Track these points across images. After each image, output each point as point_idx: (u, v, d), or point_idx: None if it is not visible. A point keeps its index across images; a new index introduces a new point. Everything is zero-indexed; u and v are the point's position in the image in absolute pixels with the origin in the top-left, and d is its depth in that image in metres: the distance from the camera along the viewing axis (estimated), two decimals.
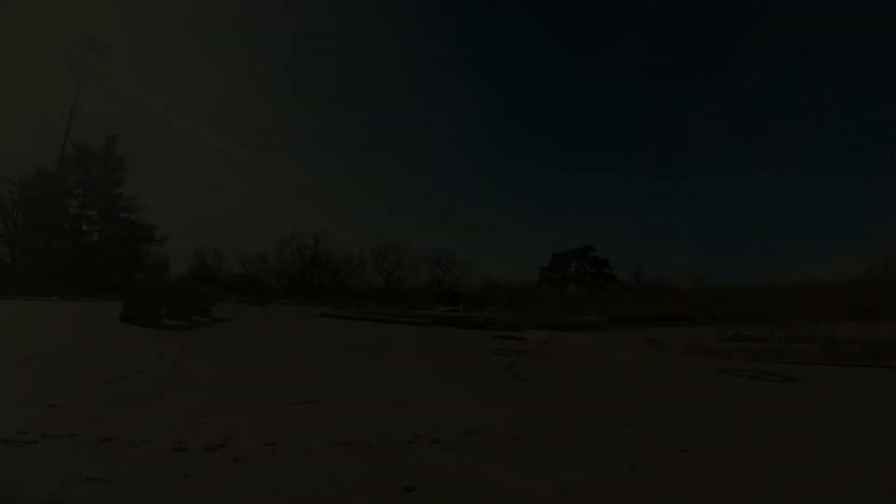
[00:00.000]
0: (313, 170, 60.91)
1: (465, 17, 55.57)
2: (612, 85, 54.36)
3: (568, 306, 32.84)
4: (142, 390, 3.32)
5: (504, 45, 56.55)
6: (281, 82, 58.45)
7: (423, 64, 58.18)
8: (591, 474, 1.98)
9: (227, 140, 62.42)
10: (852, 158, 42.15)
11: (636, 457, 2.22)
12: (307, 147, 60.39)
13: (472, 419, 2.86)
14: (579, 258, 47.73)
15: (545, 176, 60.87)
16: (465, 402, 3.57)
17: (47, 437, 2.05)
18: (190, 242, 42.84)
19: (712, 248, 57.34)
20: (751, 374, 5.17)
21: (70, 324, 8.81)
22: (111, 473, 1.69)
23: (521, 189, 61.34)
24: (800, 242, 49.59)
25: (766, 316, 9.76)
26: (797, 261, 48.80)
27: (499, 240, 62.46)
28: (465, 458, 2.15)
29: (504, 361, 5.95)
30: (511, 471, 2.00)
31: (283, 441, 2.24)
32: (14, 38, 50.16)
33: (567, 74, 55.30)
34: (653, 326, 15.93)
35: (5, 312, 10.40)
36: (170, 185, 52.28)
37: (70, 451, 1.94)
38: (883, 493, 1.89)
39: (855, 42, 44.02)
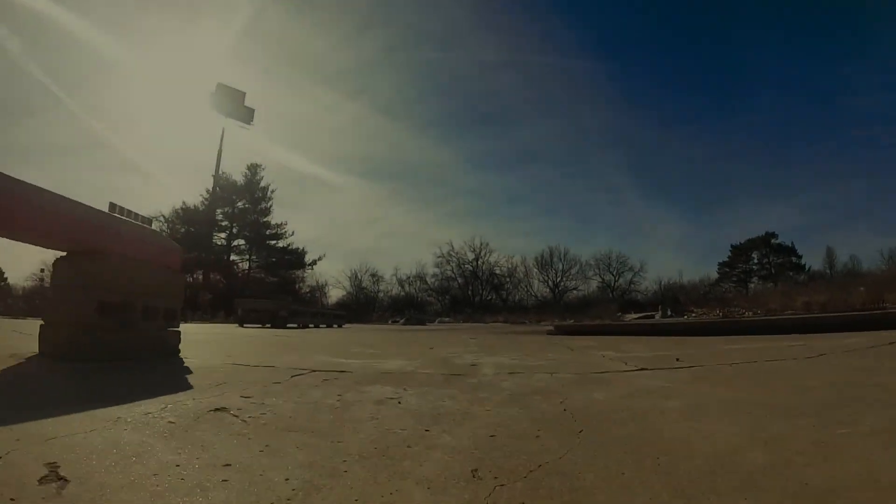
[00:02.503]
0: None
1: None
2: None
3: (799, 300, 26.61)
4: None
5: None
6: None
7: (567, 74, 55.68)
8: None
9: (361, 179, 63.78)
10: None
11: None
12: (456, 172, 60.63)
13: None
14: (761, 248, 40.73)
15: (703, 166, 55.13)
16: None
17: None
18: (347, 268, 42.93)
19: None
20: None
21: None
22: None
23: (678, 184, 56.41)
24: None
25: None
26: None
27: (665, 239, 57.06)
28: None
29: None
30: None
31: None
32: (166, 86, 54.37)
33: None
34: None
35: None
36: (326, 218, 54.17)
37: None
38: None
39: None
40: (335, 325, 20.33)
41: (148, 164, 54.71)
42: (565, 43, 55.87)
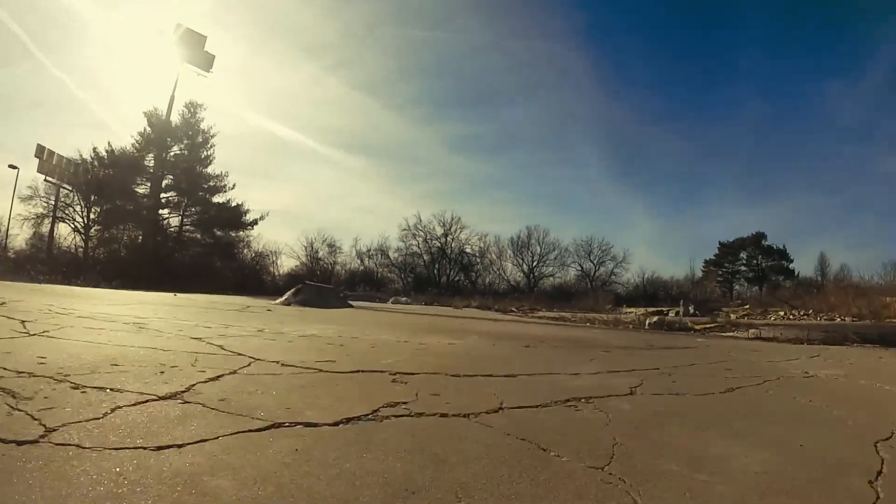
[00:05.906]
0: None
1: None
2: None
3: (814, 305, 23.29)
4: None
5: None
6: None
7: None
8: None
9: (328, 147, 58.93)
10: None
11: None
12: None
13: None
14: (750, 248, 37.93)
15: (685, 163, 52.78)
16: None
17: None
18: (303, 237, 37.49)
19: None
20: None
21: None
22: None
23: (658, 178, 54.14)
24: None
25: None
26: None
27: (640, 232, 54.32)
28: None
29: None
30: None
31: None
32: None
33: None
34: None
35: None
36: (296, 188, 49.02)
37: None
38: None
39: None
40: None
41: (116, 123, 48.43)
42: (553, 29, 52.16)
